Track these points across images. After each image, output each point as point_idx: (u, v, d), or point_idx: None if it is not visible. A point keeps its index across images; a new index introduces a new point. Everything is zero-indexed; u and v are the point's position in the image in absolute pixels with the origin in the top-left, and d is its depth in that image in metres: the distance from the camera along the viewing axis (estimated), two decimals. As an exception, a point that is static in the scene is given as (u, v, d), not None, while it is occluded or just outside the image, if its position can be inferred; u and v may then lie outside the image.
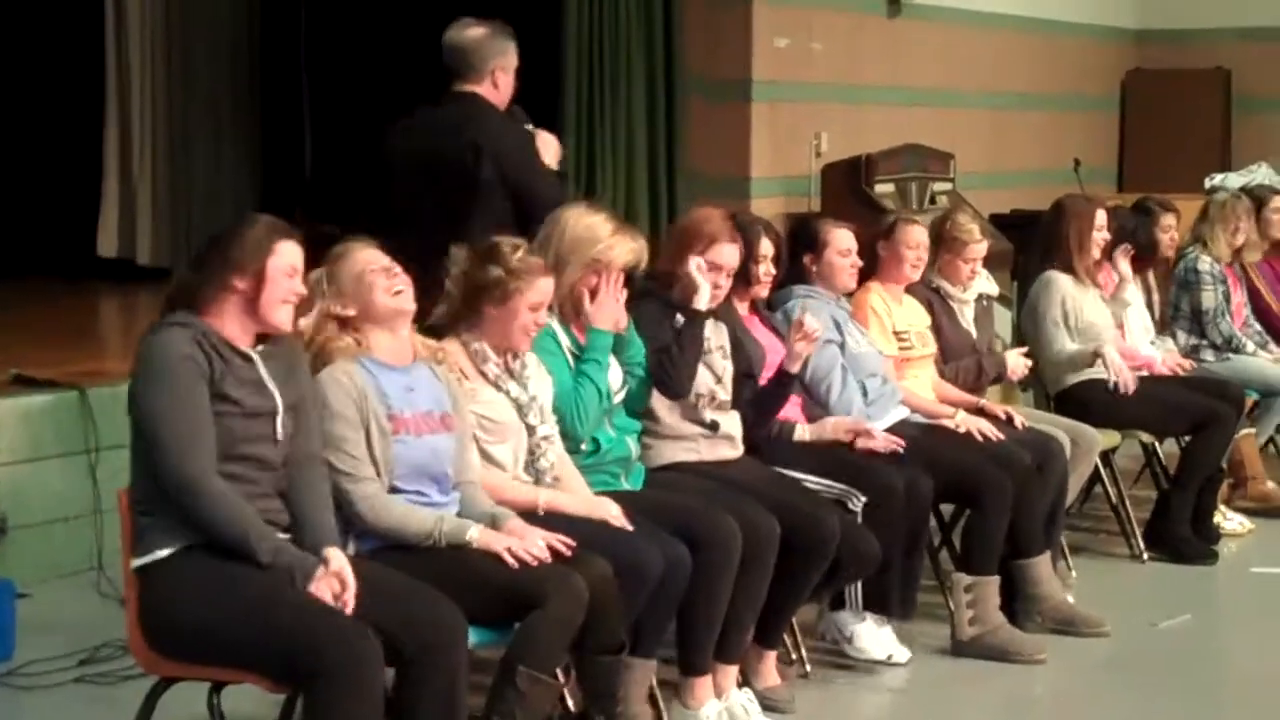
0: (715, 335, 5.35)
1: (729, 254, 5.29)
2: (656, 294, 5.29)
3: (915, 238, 6.35)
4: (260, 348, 4.11)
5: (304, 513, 4.10)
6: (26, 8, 11.83)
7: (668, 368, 5.09)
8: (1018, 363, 6.69)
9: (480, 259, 4.65)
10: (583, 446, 4.91)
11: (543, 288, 4.67)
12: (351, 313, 4.37)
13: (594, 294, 4.91)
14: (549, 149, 6.02)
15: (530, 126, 6.07)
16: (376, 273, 4.40)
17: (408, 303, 4.45)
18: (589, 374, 4.86)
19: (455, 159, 5.87)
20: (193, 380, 3.95)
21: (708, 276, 5.20)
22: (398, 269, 4.44)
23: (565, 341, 4.93)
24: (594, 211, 5.02)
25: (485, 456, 4.60)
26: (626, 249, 4.95)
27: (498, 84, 6.01)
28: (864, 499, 5.40)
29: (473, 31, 6.04)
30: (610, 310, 4.92)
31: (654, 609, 4.63)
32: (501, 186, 5.81)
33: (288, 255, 4.11)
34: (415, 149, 6.08)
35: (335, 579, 3.93)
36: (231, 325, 4.06)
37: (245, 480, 4.01)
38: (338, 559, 3.98)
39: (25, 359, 7.14)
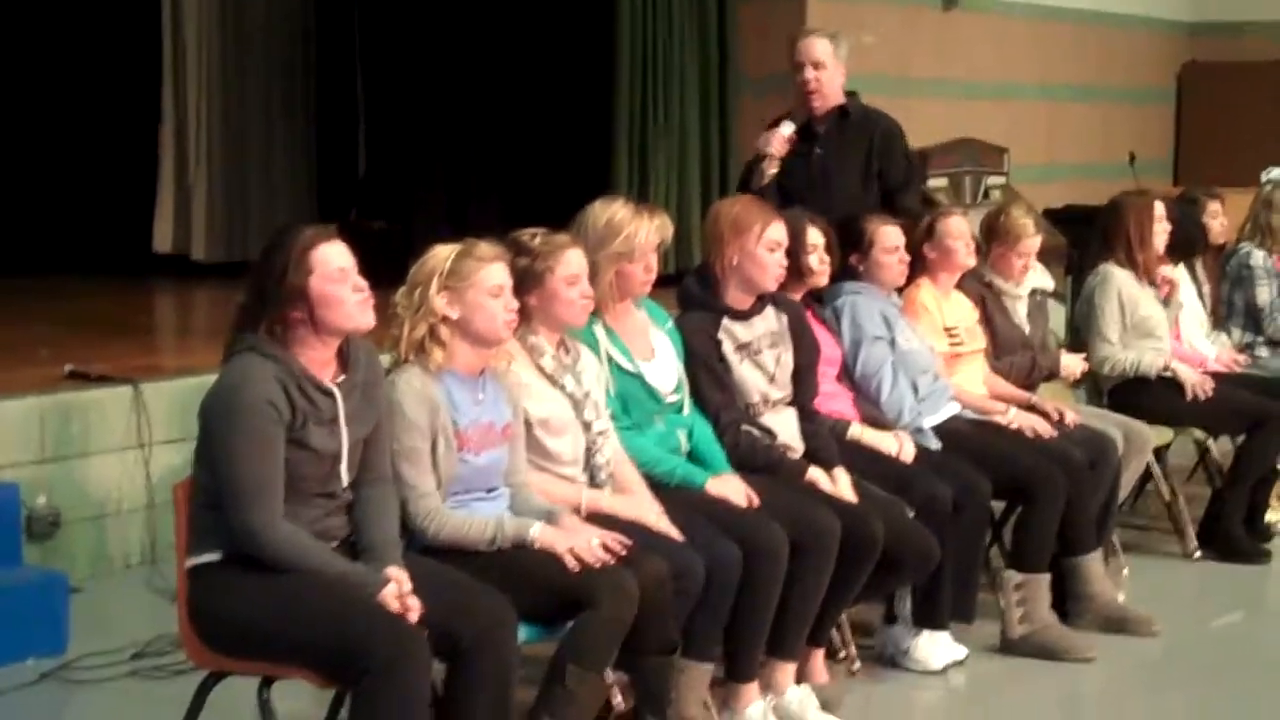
0: (763, 326, 5.35)
1: (781, 230, 5.32)
2: (704, 301, 5.30)
3: (957, 228, 6.31)
4: (343, 378, 4.06)
5: (370, 532, 4.11)
6: (84, 7, 11.92)
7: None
8: (1073, 363, 6.65)
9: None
10: None
11: (572, 260, 4.65)
12: (455, 316, 4.35)
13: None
14: None
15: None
16: (498, 296, 4.36)
17: (510, 333, 4.45)
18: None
19: None
20: (272, 428, 3.91)
21: (773, 258, 5.27)
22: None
23: (605, 342, 4.93)
24: (609, 202, 4.99)
25: (542, 451, 4.61)
26: (652, 229, 4.93)
27: None
28: (911, 513, 5.38)
29: None
30: None
31: (704, 610, 4.63)
32: None
33: (330, 262, 4.03)
34: None
35: (397, 601, 3.93)
36: (310, 350, 4.02)
37: (310, 509, 4.02)
38: (403, 583, 3.97)
39: (80, 354, 7.19)
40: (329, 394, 4.02)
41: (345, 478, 4.07)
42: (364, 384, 4.11)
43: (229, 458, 3.91)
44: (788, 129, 6.45)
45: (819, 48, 6.53)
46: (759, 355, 5.31)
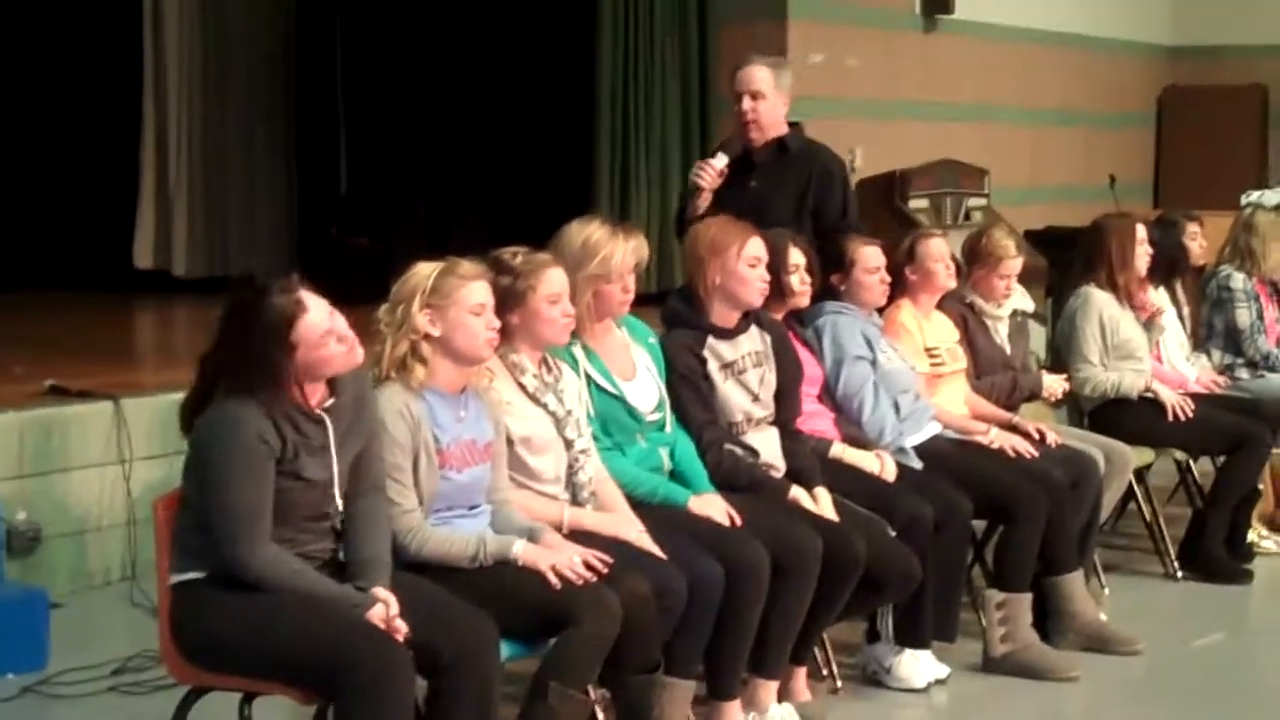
0: (748, 345, 5.36)
1: (760, 246, 5.32)
2: (689, 320, 5.30)
3: (937, 250, 6.33)
4: (331, 401, 4.06)
5: (360, 549, 4.10)
6: (64, 21, 11.91)
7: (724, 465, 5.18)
8: (1054, 383, 6.67)
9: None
10: None
11: (554, 279, 4.66)
12: (437, 333, 4.35)
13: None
14: None
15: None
16: (480, 315, 4.36)
17: (491, 351, 4.46)
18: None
19: None
20: (264, 463, 3.91)
21: (754, 273, 5.26)
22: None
23: (585, 363, 4.92)
24: (586, 223, 4.98)
25: (524, 469, 4.61)
26: (628, 250, 4.93)
27: None
28: (893, 532, 5.38)
29: None
30: None
31: (686, 628, 4.63)
32: None
33: (313, 331, 3.97)
34: None
35: (383, 624, 3.92)
36: (297, 391, 4.00)
37: (300, 533, 4.02)
38: (390, 605, 3.96)
39: (60, 370, 7.18)
40: (319, 421, 4.02)
41: (339, 501, 4.07)
42: (354, 401, 4.10)
43: (219, 491, 3.91)
44: (721, 161, 6.23)
45: (758, 77, 6.35)
46: (743, 374, 5.32)
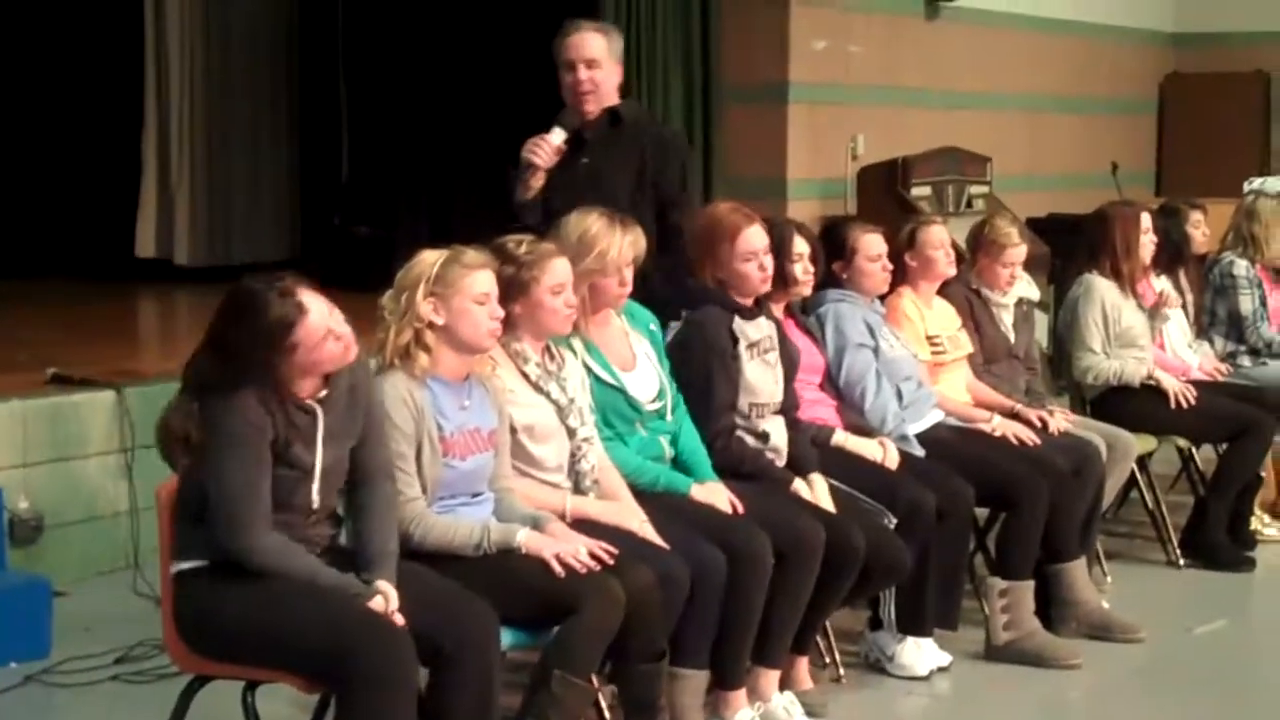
0: (768, 328, 5.36)
1: (757, 237, 5.29)
2: (718, 298, 5.28)
3: (938, 237, 6.33)
4: (323, 393, 4.04)
5: (367, 541, 4.09)
6: (67, 9, 11.90)
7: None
8: (1058, 424, 6.43)
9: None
10: None
11: (558, 269, 4.65)
12: (440, 322, 4.35)
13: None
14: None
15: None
16: (484, 304, 4.36)
17: (495, 340, 4.45)
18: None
19: None
20: (259, 446, 3.91)
21: (750, 268, 5.24)
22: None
23: (583, 355, 4.91)
24: (584, 215, 4.96)
25: (527, 457, 4.61)
26: (625, 244, 4.91)
27: None
28: (894, 520, 5.37)
29: None
30: None
31: (693, 618, 4.63)
32: None
33: (314, 333, 3.95)
34: None
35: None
36: (289, 384, 3.99)
37: (291, 517, 4.01)
38: (390, 599, 3.96)
39: (63, 358, 7.18)
40: (310, 412, 4.02)
41: (316, 496, 4.04)
42: (348, 392, 4.09)
43: (217, 477, 3.91)
44: (557, 137, 5.75)
45: (593, 44, 5.85)
46: (766, 355, 5.31)
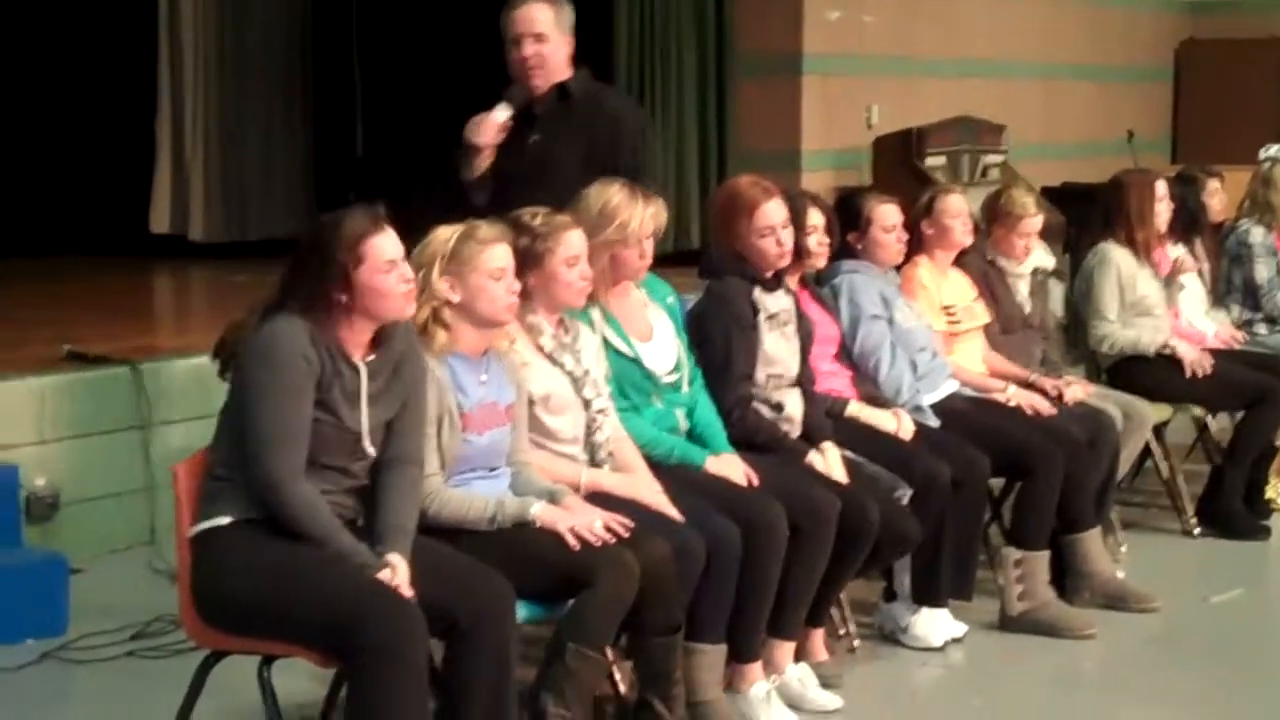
0: (787, 300, 5.36)
1: (776, 211, 5.28)
2: (738, 269, 5.27)
3: (955, 206, 6.32)
4: (371, 357, 4.05)
5: (384, 516, 4.07)
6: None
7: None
8: (1074, 394, 6.48)
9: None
10: None
11: (573, 241, 4.64)
12: (457, 299, 4.34)
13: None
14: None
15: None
16: (500, 279, 4.35)
17: (513, 315, 4.45)
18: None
19: None
20: (305, 381, 3.91)
21: (766, 244, 5.23)
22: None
23: (602, 326, 4.91)
24: (606, 186, 4.95)
25: (543, 429, 4.61)
26: (647, 216, 4.90)
27: None
28: (910, 491, 5.37)
29: None
30: None
31: (709, 591, 4.63)
32: None
33: (383, 253, 3.99)
34: None
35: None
36: (345, 330, 4.00)
37: (322, 481, 4.01)
38: (399, 572, 3.95)
39: (78, 335, 7.20)
40: (355, 369, 4.02)
41: (370, 453, 4.05)
42: (397, 362, 4.09)
43: (259, 405, 3.90)
44: (502, 114, 5.61)
45: (538, 17, 5.63)
46: (785, 327, 5.32)
